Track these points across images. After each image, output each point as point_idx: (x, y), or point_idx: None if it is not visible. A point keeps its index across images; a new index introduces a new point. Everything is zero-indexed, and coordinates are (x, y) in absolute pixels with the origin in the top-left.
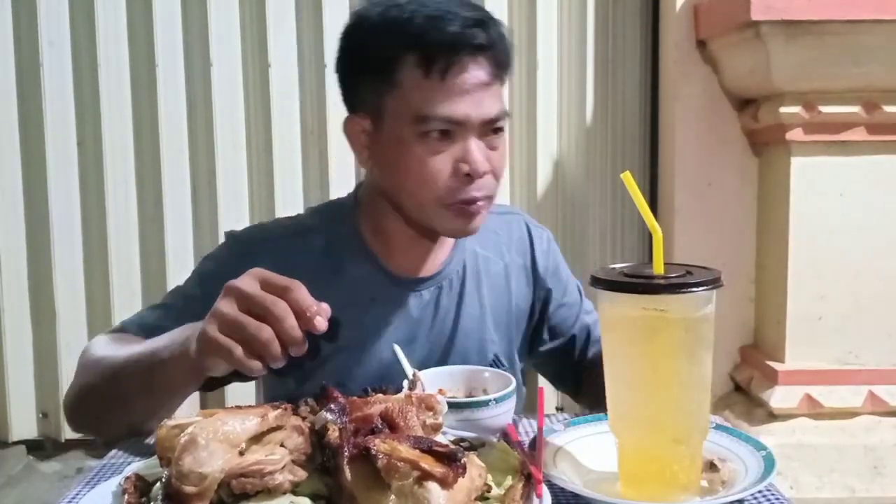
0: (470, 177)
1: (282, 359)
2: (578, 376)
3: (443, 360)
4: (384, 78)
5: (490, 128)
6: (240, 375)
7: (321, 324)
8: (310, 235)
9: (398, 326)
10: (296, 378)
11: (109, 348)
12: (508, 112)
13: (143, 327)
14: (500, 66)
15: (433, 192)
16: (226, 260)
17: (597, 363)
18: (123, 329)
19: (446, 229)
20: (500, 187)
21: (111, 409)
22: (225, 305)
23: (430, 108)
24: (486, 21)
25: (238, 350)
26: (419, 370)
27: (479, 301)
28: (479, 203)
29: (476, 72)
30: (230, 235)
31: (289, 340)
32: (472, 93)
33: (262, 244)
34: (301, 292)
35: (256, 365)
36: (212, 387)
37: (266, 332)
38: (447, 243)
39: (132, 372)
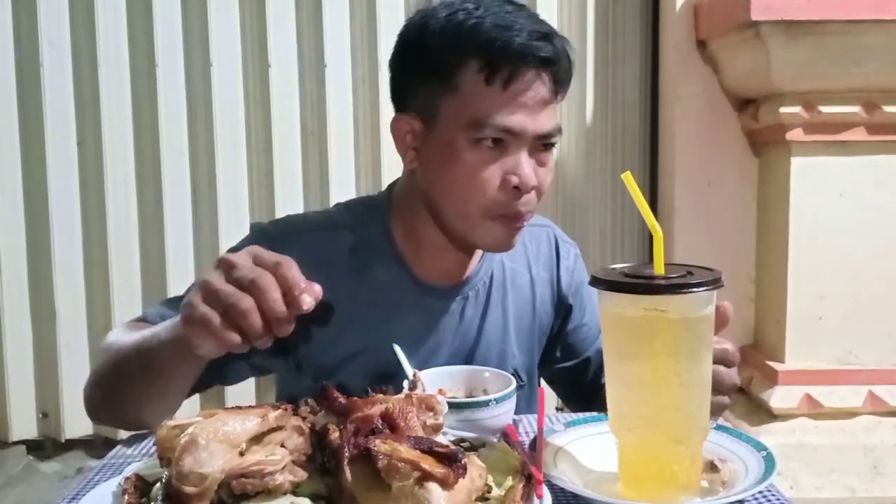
0: (518, 190)
1: (264, 335)
2: (589, 398)
3: None
4: (444, 80)
5: (542, 143)
6: (244, 364)
7: (307, 302)
8: (339, 232)
9: (421, 333)
10: (313, 376)
11: (122, 336)
12: (561, 129)
13: (163, 317)
14: (561, 82)
15: (479, 202)
16: None
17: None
18: (145, 319)
19: (486, 242)
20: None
21: (115, 394)
22: (211, 275)
23: (488, 116)
24: (552, 35)
25: (216, 319)
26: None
27: (503, 313)
28: (525, 219)
29: (537, 85)
30: (256, 227)
31: (270, 313)
32: (531, 106)
33: (289, 238)
34: (291, 268)
35: (234, 338)
36: (226, 379)
37: (246, 301)
38: (477, 253)
39: (133, 355)
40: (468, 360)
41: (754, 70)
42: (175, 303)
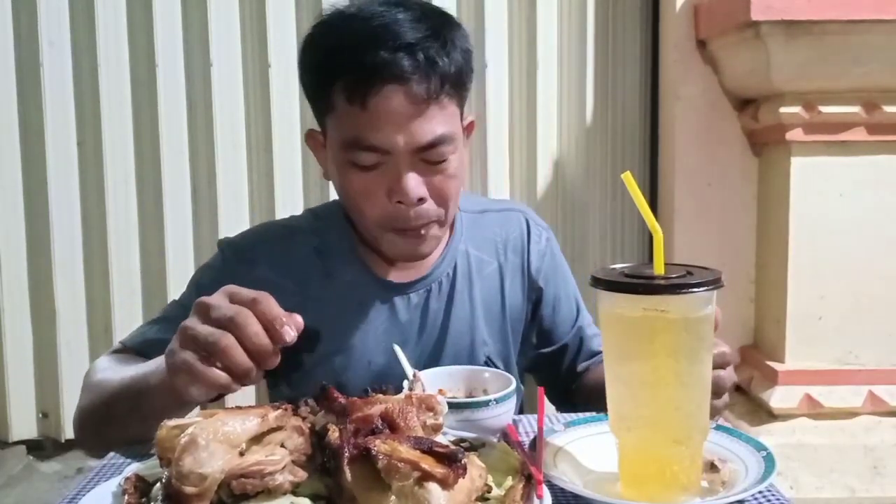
0: (403, 204)
1: (251, 369)
2: (568, 386)
3: (433, 363)
4: (322, 100)
5: (427, 153)
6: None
7: (289, 334)
8: (304, 237)
9: (387, 330)
10: (288, 383)
11: (108, 371)
12: (452, 137)
13: (144, 344)
14: (435, 88)
15: (371, 218)
16: (222, 267)
17: (587, 379)
18: (125, 347)
19: (393, 253)
20: (453, 208)
21: (108, 431)
22: (189, 321)
23: (355, 136)
24: (417, 45)
25: (198, 363)
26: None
27: (470, 303)
28: (423, 230)
29: (400, 99)
30: (224, 242)
31: (253, 347)
32: (398, 120)
33: (257, 248)
34: (269, 303)
35: (221, 377)
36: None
37: (226, 338)
38: (437, 246)
39: (124, 397)
40: (437, 351)
41: (754, 70)
42: (154, 326)
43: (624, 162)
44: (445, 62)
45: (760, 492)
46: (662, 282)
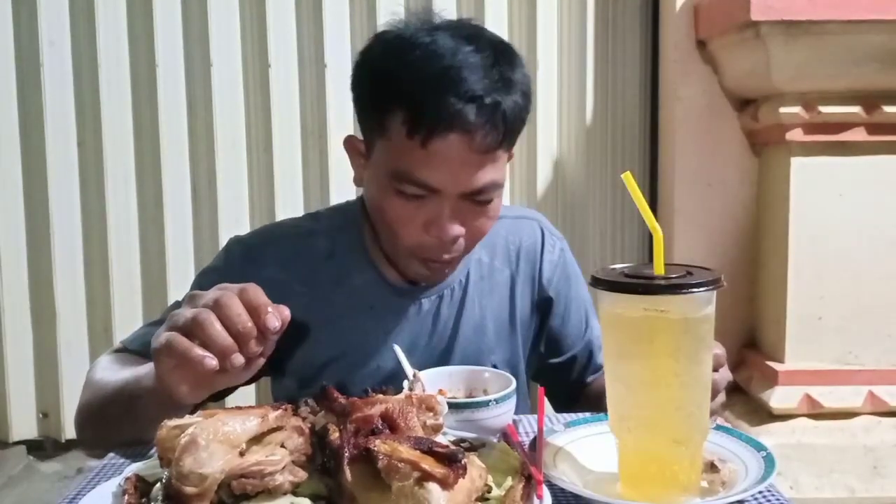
0: (440, 239)
1: (230, 346)
2: (575, 397)
3: None
4: (376, 121)
5: (474, 198)
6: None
7: (272, 322)
8: (315, 239)
9: (397, 334)
10: (297, 380)
11: (107, 371)
12: (501, 182)
13: (144, 345)
14: (496, 140)
15: (404, 243)
16: (224, 268)
17: (594, 391)
18: (125, 348)
19: (410, 275)
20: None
21: (104, 432)
22: (176, 311)
23: (408, 169)
24: (486, 96)
25: (180, 340)
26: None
27: (480, 310)
28: (447, 261)
29: (461, 147)
30: (234, 240)
31: (234, 328)
32: (454, 167)
33: (266, 248)
34: (255, 292)
35: (197, 352)
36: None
37: (204, 313)
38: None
39: (118, 399)
40: (445, 357)
41: (754, 70)
42: (154, 327)
43: (624, 162)
44: (511, 114)
45: (760, 492)
46: (662, 282)
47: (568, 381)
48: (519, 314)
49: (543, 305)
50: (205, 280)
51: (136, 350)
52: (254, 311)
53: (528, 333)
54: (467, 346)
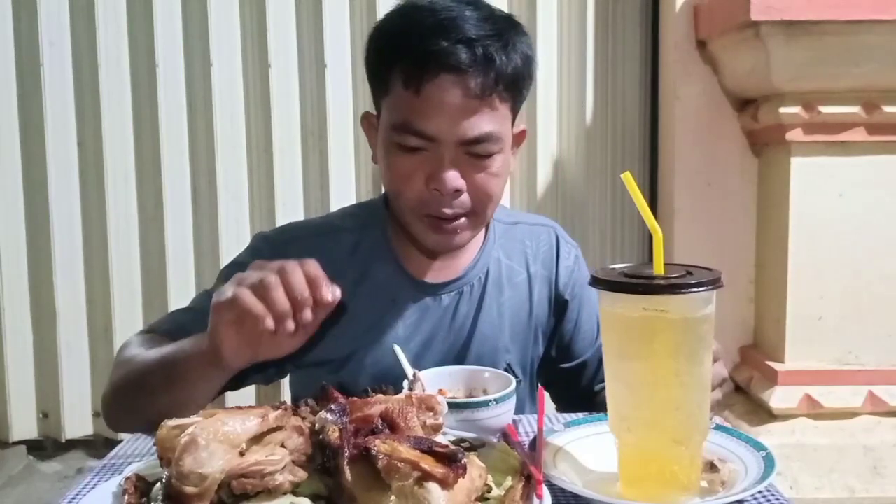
0: (439, 192)
1: (288, 311)
2: (584, 403)
3: (457, 365)
4: (381, 82)
5: (473, 147)
6: (262, 371)
7: (332, 294)
8: (340, 235)
9: (416, 329)
10: (317, 374)
11: (142, 347)
12: (500, 135)
13: (172, 329)
14: (492, 86)
15: (406, 201)
16: (251, 260)
17: (603, 400)
18: (153, 330)
19: (427, 242)
20: (492, 207)
21: (139, 404)
22: (240, 274)
23: (405, 120)
24: (478, 41)
25: (248, 295)
26: (420, 370)
27: (497, 309)
28: (455, 221)
29: (455, 91)
30: (259, 236)
31: (293, 295)
32: (448, 111)
33: (291, 244)
34: (315, 266)
35: (258, 306)
36: (238, 385)
37: (271, 276)
38: (470, 250)
39: (157, 369)
40: (462, 353)
41: (754, 70)
42: (183, 314)
43: (624, 162)
44: (503, 62)
45: (760, 492)
46: (662, 282)
47: (577, 388)
48: (535, 316)
49: (559, 309)
50: (231, 273)
51: (167, 332)
52: (312, 283)
53: (541, 336)
54: (483, 343)
